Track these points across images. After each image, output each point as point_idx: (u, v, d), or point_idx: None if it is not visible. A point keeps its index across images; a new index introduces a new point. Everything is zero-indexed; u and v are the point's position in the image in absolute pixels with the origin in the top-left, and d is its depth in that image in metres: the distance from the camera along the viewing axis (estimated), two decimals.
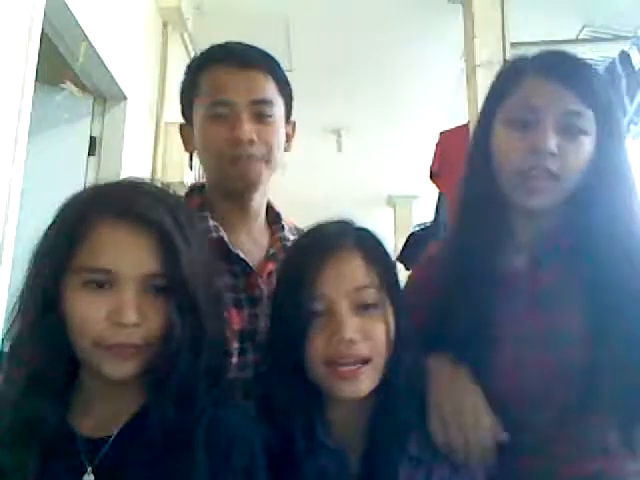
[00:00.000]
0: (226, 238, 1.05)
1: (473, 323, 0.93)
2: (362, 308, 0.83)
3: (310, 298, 0.82)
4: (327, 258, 0.83)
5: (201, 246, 0.77)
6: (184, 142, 1.17)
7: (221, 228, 1.06)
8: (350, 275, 0.84)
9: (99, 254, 0.70)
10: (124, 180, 0.81)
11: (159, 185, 0.81)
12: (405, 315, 0.88)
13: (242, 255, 1.05)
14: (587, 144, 0.93)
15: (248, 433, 0.75)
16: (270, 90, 1.08)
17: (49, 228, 0.74)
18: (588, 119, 0.93)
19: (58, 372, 0.72)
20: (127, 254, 0.70)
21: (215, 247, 1.03)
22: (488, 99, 1.03)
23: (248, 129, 1.04)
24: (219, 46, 1.12)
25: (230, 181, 1.07)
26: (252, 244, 1.10)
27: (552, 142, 0.91)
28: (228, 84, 1.05)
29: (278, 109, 1.09)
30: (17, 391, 0.71)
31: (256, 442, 0.75)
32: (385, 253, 0.90)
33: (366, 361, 0.81)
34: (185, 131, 1.16)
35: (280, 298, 0.88)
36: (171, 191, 0.81)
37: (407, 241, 3.45)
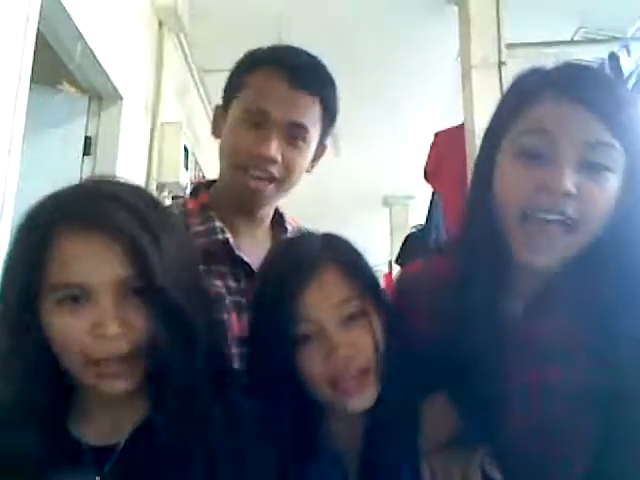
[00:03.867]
0: (231, 240, 1.04)
1: (461, 374, 0.83)
2: (349, 320, 0.82)
3: (295, 322, 0.80)
4: (305, 279, 0.81)
5: (179, 243, 0.75)
6: (214, 124, 1.13)
7: (227, 230, 1.05)
8: (331, 290, 0.82)
9: (68, 269, 0.67)
10: (84, 184, 0.77)
11: (129, 185, 0.77)
12: (392, 318, 0.86)
13: (246, 258, 1.04)
14: (613, 182, 0.76)
15: (261, 432, 0.75)
16: (312, 115, 1.04)
17: (14, 245, 0.71)
18: (616, 153, 0.75)
19: (47, 389, 0.70)
20: (96, 264, 0.67)
21: (219, 249, 1.03)
22: (494, 120, 0.86)
23: (275, 147, 1.01)
24: (281, 49, 1.08)
25: (238, 190, 1.05)
26: (255, 247, 1.08)
27: (570, 179, 0.74)
28: (272, 97, 1.01)
29: (313, 135, 1.06)
30: (5, 411, 0.69)
31: (268, 441, 0.74)
32: (361, 260, 0.88)
33: (365, 372, 0.81)
34: (219, 114, 1.11)
35: (261, 324, 0.85)
36: (142, 190, 0.78)
37: (404, 243, 3.45)
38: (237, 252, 1.04)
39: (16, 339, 0.69)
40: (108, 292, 0.67)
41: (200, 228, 1.04)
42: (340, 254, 0.86)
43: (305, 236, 0.92)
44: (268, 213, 1.14)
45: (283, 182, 1.05)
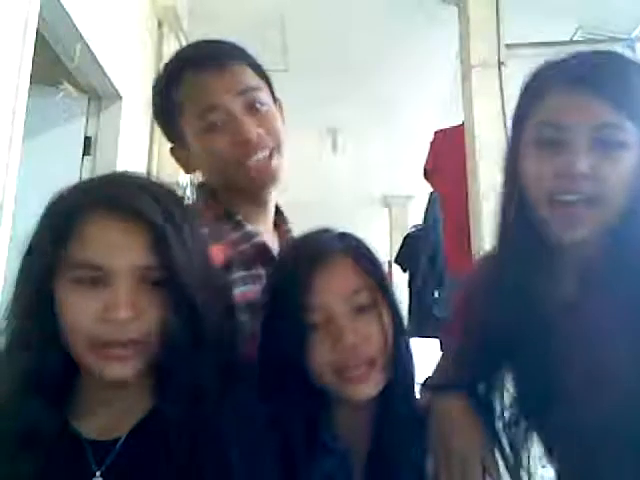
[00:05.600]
0: (268, 243, 1.03)
1: (521, 362, 0.87)
2: (358, 311, 0.83)
3: (306, 310, 0.82)
4: (317, 267, 0.83)
5: (197, 238, 0.76)
6: (181, 165, 1.11)
7: (259, 232, 1.03)
8: (343, 280, 0.84)
9: (89, 249, 0.68)
10: (114, 173, 0.79)
11: (153, 179, 0.80)
12: (399, 313, 0.89)
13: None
14: (629, 158, 0.81)
15: (264, 431, 0.75)
16: (251, 78, 1.05)
17: (39, 225, 0.73)
18: (627, 130, 0.80)
19: (54, 375, 0.70)
20: (118, 248, 0.68)
21: (255, 252, 1.01)
22: (515, 118, 0.92)
23: (248, 121, 1.00)
24: (186, 52, 1.09)
25: (249, 182, 1.02)
26: (274, 245, 1.08)
27: (583, 162, 0.80)
28: (210, 87, 1.00)
29: (266, 94, 1.06)
30: (10, 394, 0.69)
31: (271, 441, 0.75)
32: (371, 254, 0.90)
33: (372, 362, 0.83)
34: (178, 154, 1.10)
35: (273, 311, 0.87)
36: (165, 185, 0.79)
37: (403, 242, 3.47)
38: (273, 253, 1.03)
39: (30, 315, 0.70)
40: (125, 277, 0.68)
41: (235, 235, 1.01)
42: (354, 248, 0.88)
43: (320, 230, 0.93)
44: (274, 202, 1.12)
45: (278, 147, 1.04)
